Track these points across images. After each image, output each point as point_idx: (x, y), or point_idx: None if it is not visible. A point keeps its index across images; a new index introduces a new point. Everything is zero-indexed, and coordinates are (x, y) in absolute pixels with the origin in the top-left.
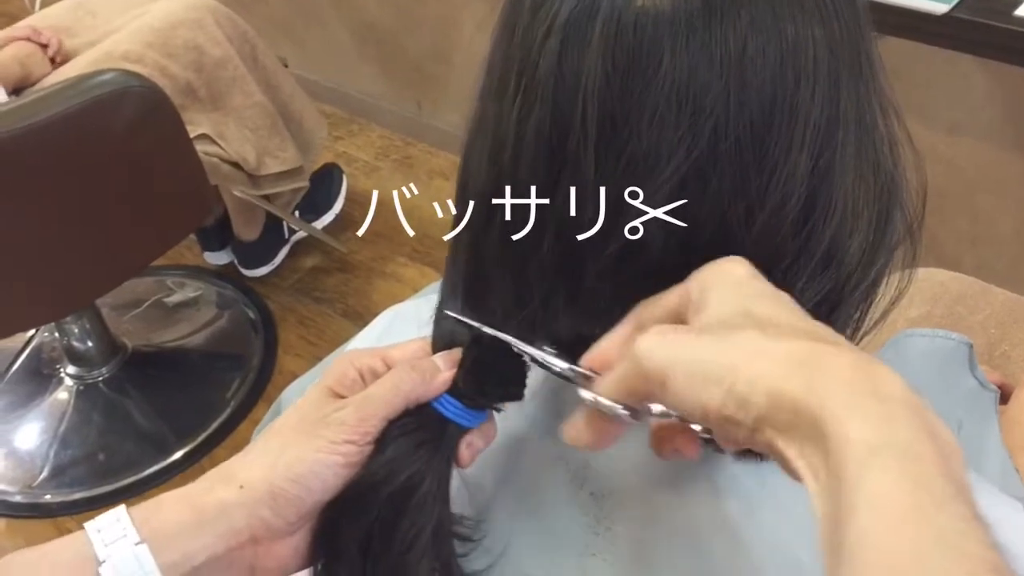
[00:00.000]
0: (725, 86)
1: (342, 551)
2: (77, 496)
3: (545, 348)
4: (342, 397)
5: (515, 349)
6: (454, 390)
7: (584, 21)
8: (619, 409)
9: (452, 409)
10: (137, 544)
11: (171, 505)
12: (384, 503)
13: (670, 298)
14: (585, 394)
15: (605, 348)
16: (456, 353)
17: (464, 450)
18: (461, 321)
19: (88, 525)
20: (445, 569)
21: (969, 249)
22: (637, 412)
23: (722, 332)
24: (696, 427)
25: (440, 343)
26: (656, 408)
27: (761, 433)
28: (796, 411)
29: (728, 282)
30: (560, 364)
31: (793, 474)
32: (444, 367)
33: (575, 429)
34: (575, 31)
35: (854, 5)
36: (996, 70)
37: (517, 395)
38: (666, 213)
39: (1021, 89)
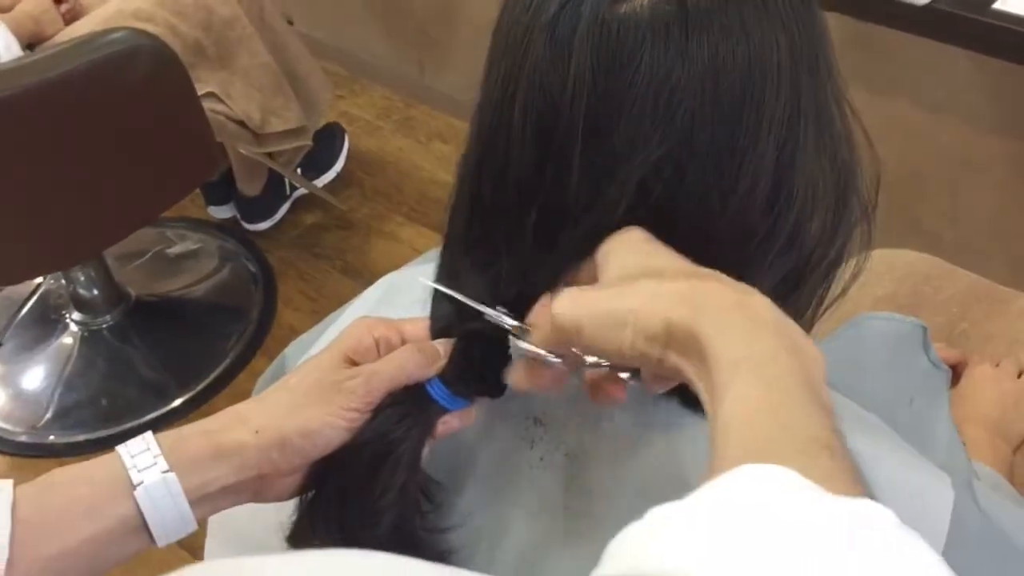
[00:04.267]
0: (700, 85)
1: (326, 493)
2: (80, 438)
3: (498, 308)
4: (354, 363)
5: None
6: (443, 376)
7: (568, 23)
8: (550, 357)
9: (438, 392)
10: (165, 472)
11: (193, 438)
12: (366, 459)
13: (584, 269)
14: (522, 345)
15: (540, 307)
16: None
17: (440, 427)
18: (438, 290)
19: (120, 449)
20: (405, 519)
21: (948, 226)
22: (566, 358)
23: (622, 284)
24: (624, 375)
25: (435, 326)
26: (580, 353)
27: (668, 360)
28: (687, 335)
29: (625, 244)
30: (510, 321)
31: (694, 389)
32: (444, 353)
33: (517, 375)
34: (561, 31)
35: (812, 14)
36: (979, 56)
37: (495, 393)
38: (638, 196)
39: (1003, 75)
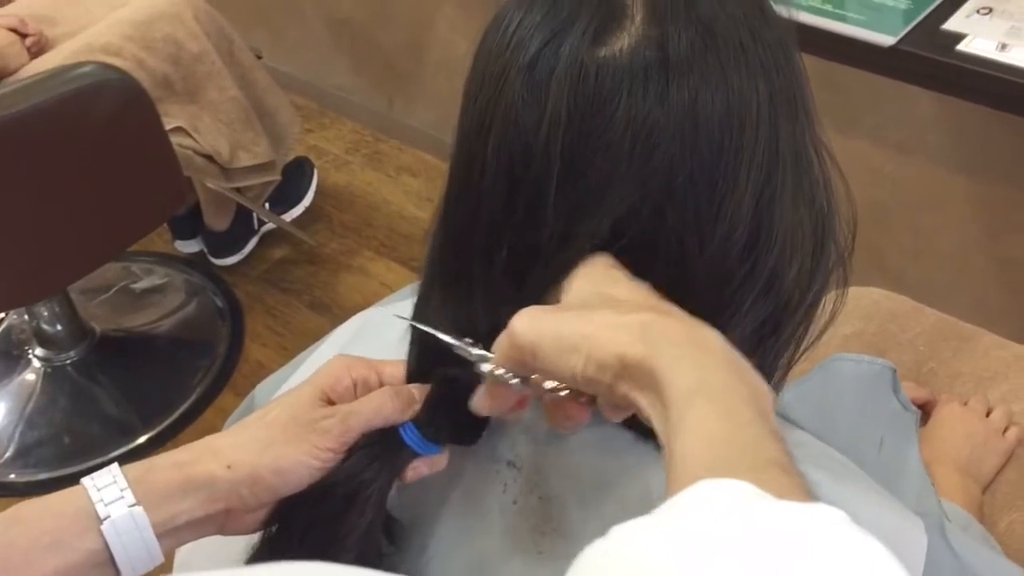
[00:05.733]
0: (679, 130)
1: (289, 530)
2: (42, 477)
3: (465, 341)
4: (331, 401)
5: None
6: (416, 421)
7: (546, 64)
8: (510, 378)
9: (411, 436)
10: (132, 506)
11: (162, 470)
12: (335, 499)
13: (552, 294)
14: (484, 367)
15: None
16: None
17: (410, 472)
18: (413, 332)
19: (86, 482)
20: (365, 561)
21: (912, 263)
22: (526, 380)
23: (580, 309)
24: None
25: (410, 370)
26: (541, 378)
27: (618, 389)
28: (640, 368)
29: (588, 272)
30: (475, 350)
31: (647, 421)
32: (420, 397)
33: (478, 398)
34: (539, 72)
35: (791, 61)
36: (943, 96)
37: (467, 441)
38: (611, 236)
39: (965, 115)
